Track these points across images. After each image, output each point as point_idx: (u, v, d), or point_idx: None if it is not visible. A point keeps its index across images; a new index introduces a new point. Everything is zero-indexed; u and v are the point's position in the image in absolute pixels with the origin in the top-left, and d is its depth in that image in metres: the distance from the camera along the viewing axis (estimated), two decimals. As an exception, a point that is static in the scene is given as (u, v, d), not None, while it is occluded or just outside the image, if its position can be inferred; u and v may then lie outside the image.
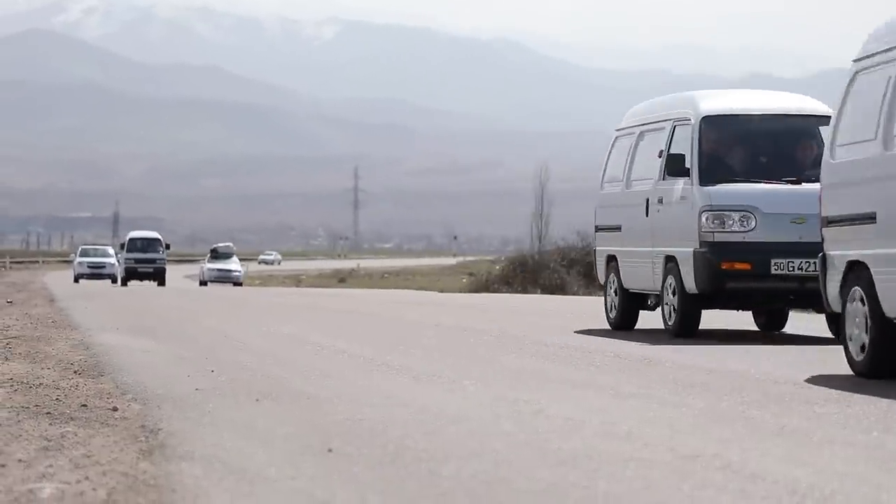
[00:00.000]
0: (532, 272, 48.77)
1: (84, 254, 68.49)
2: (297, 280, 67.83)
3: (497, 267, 56.51)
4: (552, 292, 44.32)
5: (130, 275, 58.12)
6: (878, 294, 9.37)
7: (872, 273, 9.46)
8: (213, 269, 63.72)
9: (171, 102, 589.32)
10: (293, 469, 6.02)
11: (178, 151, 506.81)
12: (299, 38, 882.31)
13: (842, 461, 6.00)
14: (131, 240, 60.08)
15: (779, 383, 9.32)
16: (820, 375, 9.99)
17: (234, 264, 64.56)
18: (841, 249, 10.09)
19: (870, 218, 9.60)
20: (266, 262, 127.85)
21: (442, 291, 44.12)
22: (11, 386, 9.98)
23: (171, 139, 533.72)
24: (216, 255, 65.77)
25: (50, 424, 7.75)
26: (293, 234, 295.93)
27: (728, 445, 6.45)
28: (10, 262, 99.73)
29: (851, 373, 10.05)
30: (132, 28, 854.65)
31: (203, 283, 62.88)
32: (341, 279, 68.37)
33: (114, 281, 63.87)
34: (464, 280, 59.66)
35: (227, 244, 69.41)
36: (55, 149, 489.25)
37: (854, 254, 9.82)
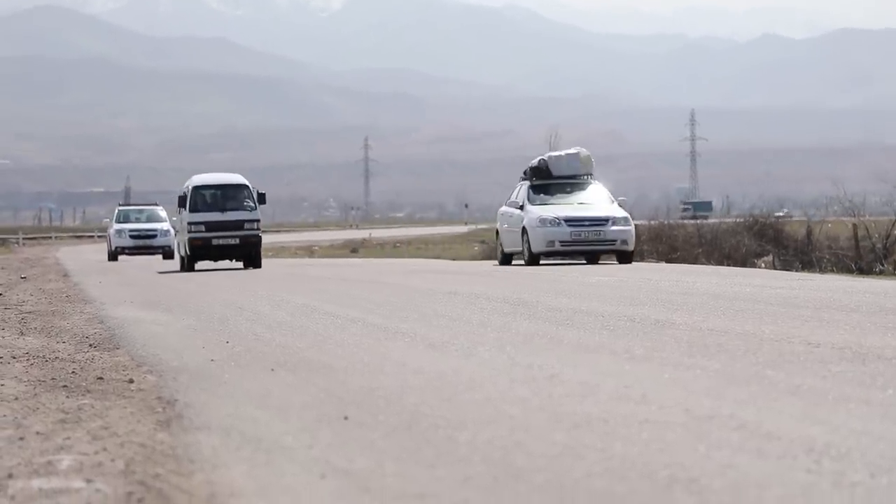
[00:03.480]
0: (544, 238, 48.67)
1: (123, 218, 48.80)
2: (309, 250, 67.73)
3: (509, 234, 56.38)
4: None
5: (199, 250, 32.70)
6: None
7: None
8: (569, 226, 27.89)
9: (181, 76, 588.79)
10: (310, 438, 6.04)
11: (189, 125, 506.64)
12: (307, 9, 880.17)
13: (858, 419, 6.00)
14: (197, 189, 33.48)
15: (793, 343, 9.32)
16: (834, 334, 9.99)
17: (606, 205, 28.87)
18: None
19: None
20: None
21: (454, 259, 44.10)
22: (28, 360, 10.03)
23: (182, 113, 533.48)
24: (544, 182, 29.43)
25: (67, 397, 7.79)
26: (305, 206, 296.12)
27: (743, 406, 6.45)
28: (24, 238, 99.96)
29: (860, 330, 10.04)
30: (140, 1, 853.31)
31: (534, 256, 28.17)
32: (353, 249, 68.30)
33: (167, 256, 45.87)
34: (476, 248, 59.61)
35: (575, 151, 29.96)
36: (66, 124, 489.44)
37: None
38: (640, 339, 10.01)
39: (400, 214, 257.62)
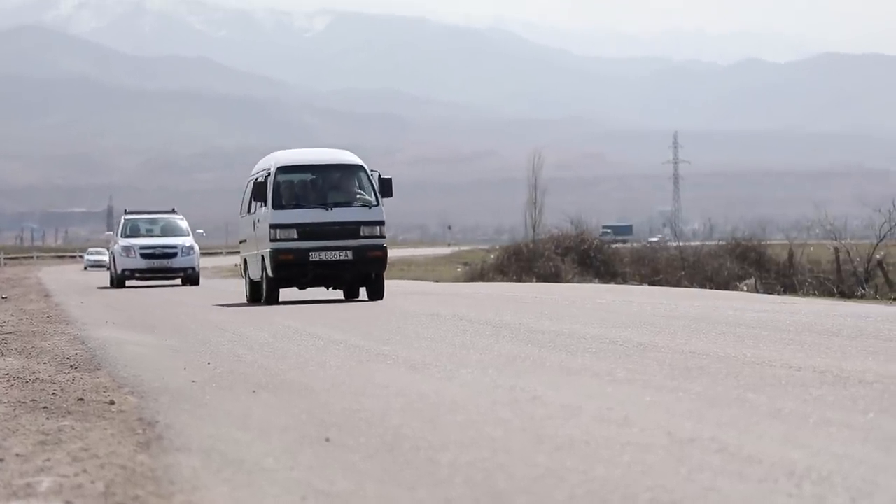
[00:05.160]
0: (527, 260, 48.81)
1: (131, 230, 37.82)
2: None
3: (492, 256, 56.50)
4: (547, 280, 44.34)
5: (289, 270, 21.96)
6: None
7: None
8: None
9: (164, 96, 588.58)
10: (291, 459, 6.02)
11: (172, 145, 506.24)
12: (291, 30, 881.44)
13: (839, 443, 6.01)
14: (285, 173, 22.39)
15: (774, 366, 9.33)
16: (816, 358, 10.01)
17: None
18: None
19: None
20: (99, 265, 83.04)
21: (437, 281, 44.09)
22: (8, 381, 9.99)
23: (165, 132, 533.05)
24: None
25: (47, 419, 7.76)
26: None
27: (725, 429, 6.46)
28: (5, 258, 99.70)
29: (841, 354, 10.06)
30: (124, 21, 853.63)
31: None
32: (337, 270, 68.01)
33: (190, 280, 36.57)
34: (459, 269, 59.60)
35: None
36: (49, 144, 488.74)
37: None
38: (622, 361, 10.02)
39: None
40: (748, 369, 9.19)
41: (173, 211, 39.78)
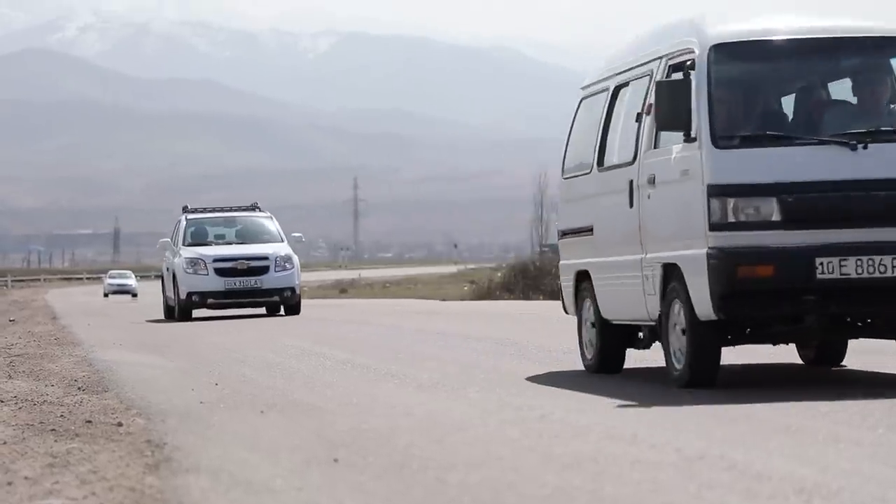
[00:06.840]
0: (533, 279, 48.73)
1: (195, 236, 26.35)
2: (298, 292, 67.27)
3: (498, 274, 56.46)
4: (554, 298, 44.28)
5: (750, 302, 8.72)
6: None
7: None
8: None
9: (169, 117, 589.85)
10: (299, 480, 6.02)
11: (177, 166, 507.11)
12: (295, 51, 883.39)
13: (847, 459, 6.00)
14: (732, 58, 9.11)
15: (782, 383, 9.32)
16: (822, 376, 9.99)
17: None
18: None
19: None
20: (123, 291, 68.60)
21: (444, 300, 44.07)
22: (16, 403, 9.98)
23: (170, 154, 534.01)
24: None
25: (55, 441, 7.75)
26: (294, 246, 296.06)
27: (733, 445, 6.45)
28: (12, 281, 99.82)
29: (849, 369, 10.04)
30: (128, 44, 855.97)
31: None
32: (343, 290, 68.22)
33: (287, 307, 25.90)
34: (465, 288, 59.56)
35: None
36: (54, 166, 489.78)
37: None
38: (629, 377, 10.01)
39: (388, 255, 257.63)
40: (757, 384, 9.17)
41: (255, 207, 27.57)
